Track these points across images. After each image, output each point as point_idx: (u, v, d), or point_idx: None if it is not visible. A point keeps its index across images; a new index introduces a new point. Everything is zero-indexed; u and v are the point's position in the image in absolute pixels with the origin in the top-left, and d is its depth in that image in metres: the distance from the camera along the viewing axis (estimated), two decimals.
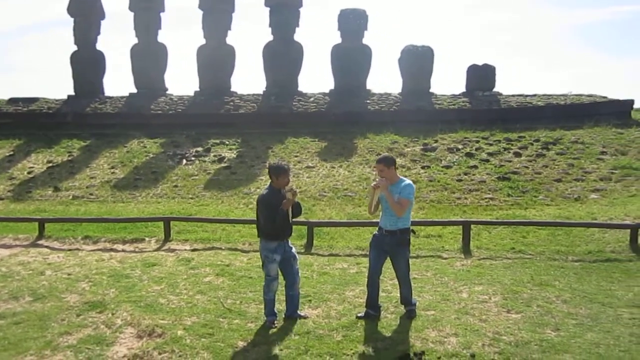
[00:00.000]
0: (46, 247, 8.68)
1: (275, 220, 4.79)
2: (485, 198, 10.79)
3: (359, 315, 5.18)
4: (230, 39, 18.24)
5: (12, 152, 15.35)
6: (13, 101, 18.72)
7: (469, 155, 13.05)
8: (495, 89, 17.01)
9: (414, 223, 5.71)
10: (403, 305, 5.27)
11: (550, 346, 4.49)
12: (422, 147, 13.69)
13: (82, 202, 11.81)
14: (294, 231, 5.55)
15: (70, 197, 12.17)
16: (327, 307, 5.51)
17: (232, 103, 17.20)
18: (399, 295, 5.35)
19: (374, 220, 8.62)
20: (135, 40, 18.62)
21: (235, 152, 14.36)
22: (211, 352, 4.49)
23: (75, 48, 18.77)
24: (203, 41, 18.12)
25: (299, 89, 17.84)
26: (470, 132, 14.45)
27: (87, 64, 18.53)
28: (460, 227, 8.34)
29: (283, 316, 5.16)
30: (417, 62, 16.81)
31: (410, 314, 5.15)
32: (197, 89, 18.18)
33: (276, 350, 4.49)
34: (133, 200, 11.71)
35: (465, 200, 10.76)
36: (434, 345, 4.52)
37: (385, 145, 13.94)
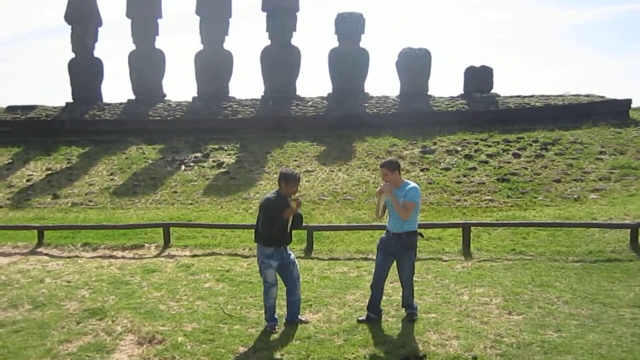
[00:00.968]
0: (45, 254, 8.66)
1: (273, 225, 4.80)
2: (485, 200, 10.78)
3: (360, 319, 5.17)
4: (227, 44, 18.37)
5: (10, 160, 15.36)
6: (11, 109, 18.74)
7: (468, 157, 13.05)
8: (493, 90, 17.04)
9: None
10: (404, 309, 5.27)
11: (552, 347, 4.48)
12: (420, 149, 13.69)
13: (81, 209, 11.80)
14: (294, 235, 5.53)
15: (69, 204, 12.16)
16: (328, 311, 5.49)
17: (230, 108, 17.21)
18: (399, 298, 5.35)
19: (374, 224, 8.66)
20: (132, 47, 18.68)
21: (234, 157, 14.36)
22: (212, 358, 4.48)
23: (73, 55, 18.82)
24: (201, 47, 18.17)
25: (297, 93, 17.87)
26: (469, 133, 14.46)
27: (85, 71, 18.57)
28: (460, 229, 8.35)
29: (284, 321, 5.14)
30: (415, 65, 16.84)
31: (411, 317, 5.15)
32: (195, 95, 18.21)
33: (277, 356, 4.48)
34: (132, 207, 11.71)
35: (464, 202, 10.75)
36: (436, 349, 4.51)
37: (384, 148, 13.94)
